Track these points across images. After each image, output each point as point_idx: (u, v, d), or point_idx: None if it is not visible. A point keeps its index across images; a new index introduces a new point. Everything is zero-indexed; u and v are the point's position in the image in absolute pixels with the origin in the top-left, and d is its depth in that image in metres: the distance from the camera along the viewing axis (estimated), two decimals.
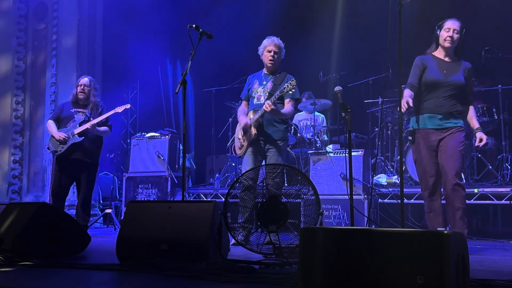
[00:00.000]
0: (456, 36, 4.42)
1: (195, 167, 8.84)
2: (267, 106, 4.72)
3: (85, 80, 5.90)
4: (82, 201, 5.72)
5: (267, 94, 4.98)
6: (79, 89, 5.84)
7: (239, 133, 5.13)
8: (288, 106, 5.01)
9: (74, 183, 5.88)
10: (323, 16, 8.60)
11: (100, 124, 5.74)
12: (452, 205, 4.28)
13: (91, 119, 5.72)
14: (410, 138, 4.52)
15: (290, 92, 4.75)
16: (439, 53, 4.54)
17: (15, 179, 8.66)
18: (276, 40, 5.07)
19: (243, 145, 5.06)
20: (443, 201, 4.43)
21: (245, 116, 5.08)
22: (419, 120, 4.48)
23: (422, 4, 6.67)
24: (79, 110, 5.81)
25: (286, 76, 5.07)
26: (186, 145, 8.61)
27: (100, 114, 5.82)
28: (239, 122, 5.11)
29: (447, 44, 4.44)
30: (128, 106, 5.97)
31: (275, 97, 4.81)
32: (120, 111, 5.87)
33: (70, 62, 8.48)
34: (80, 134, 5.64)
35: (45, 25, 8.82)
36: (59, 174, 5.73)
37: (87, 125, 5.62)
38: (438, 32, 4.50)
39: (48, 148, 5.82)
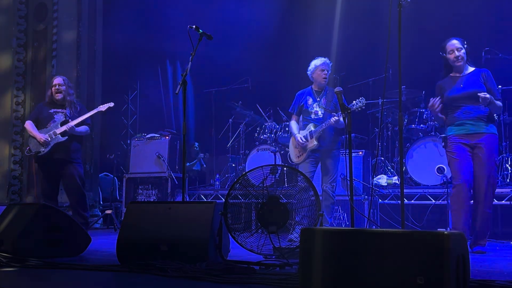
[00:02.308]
0: (461, 52, 4.66)
1: (205, 166, 8.87)
2: (333, 121, 5.35)
3: (58, 80, 5.84)
4: (76, 199, 5.68)
5: (323, 109, 5.57)
6: (54, 89, 5.79)
7: (296, 144, 5.59)
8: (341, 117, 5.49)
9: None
10: (323, 16, 8.60)
11: (78, 124, 5.68)
12: (482, 210, 4.49)
13: (70, 119, 5.67)
14: (443, 143, 4.79)
15: (359, 109, 5.36)
16: (455, 72, 4.75)
17: (15, 180, 8.65)
18: (327, 60, 5.66)
19: (302, 154, 5.56)
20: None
21: (297, 132, 5.60)
22: (450, 129, 4.70)
23: (421, 5, 6.67)
24: (57, 110, 5.77)
25: (333, 91, 5.53)
26: (188, 146, 8.64)
27: (79, 112, 5.78)
28: (295, 138, 5.58)
29: (458, 64, 4.68)
30: (111, 104, 5.91)
31: (339, 115, 5.35)
32: (103, 109, 5.84)
33: (70, 63, 8.47)
34: (63, 134, 5.61)
35: (45, 26, 8.82)
36: (44, 176, 5.70)
37: (69, 125, 5.57)
38: (445, 56, 4.73)
39: (29, 150, 5.74)
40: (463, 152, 4.57)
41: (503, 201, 5.79)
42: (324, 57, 5.68)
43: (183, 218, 3.49)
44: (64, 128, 5.58)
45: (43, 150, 5.60)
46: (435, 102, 4.64)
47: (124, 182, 7.60)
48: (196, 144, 9.24)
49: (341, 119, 5.36)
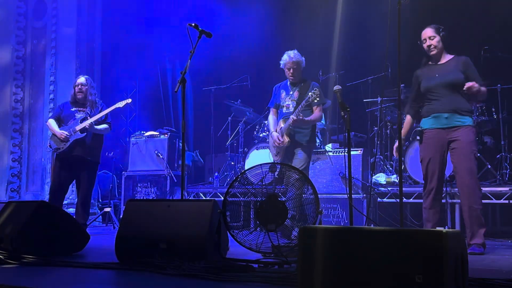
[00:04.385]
0: (433, 41, 4.53)
1: (203, 162, 8.87)
2: (291, 121, 5.15)
3: (81, 79, 5.90)
4: (82, 199, 5.72)
5: (295, 103, 5.34)
6: (76, 89, 5.86)
7: (274, 142, 5.43)
8: (316, 112, 5.36)
9: (74, 181, 5.89)
10: (322, 15, 8.59)
11: (99, 122, 5.75)
12: (468, 206, 4.32)
13: (91, 116, 5.74)
14: (418, 138, 4.57)
15: (315, 101, 5.14)
16: (433, 61, 4.64)
17: (14, 178, 8.65)
18: (293, 57, 5.37)
19: (279, 152, 5.41)
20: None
21: (274, 129, 5.44)
22: (426, 122, 4.57)
23: (421, 3, 6.67)
24: (79, 109, 5.83)
25: (311, 84, 5.43)
26: (186, 143, 8.65)
27: (100, 112, 5.84)
28: (272, 136, 5.44)
29: (432, 53, 4.57)
30: (129, 100, 6.00)
31: (301, 107, 5.18)
32: (121, 105, 5.90)
33: (69, 61, 8.48)
34: (81, 131, 5.66)
35: (44, 23, 8.81)
36: (59, 172, 5.73)
37: (88, 121, 5.65)
38: (422, 45, 4.64)
39: (50, 146, 5.84)
40: (438, 153, 4.45)
41: (502, 200, 5.78)
42: (293, 50, 5.41)
43: (182, 216, 3.49)
44: (83, 125, 5.64)
45: (62, 146, 5.66)
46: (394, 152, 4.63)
47: (123, 180, 7.60)
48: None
49: (310, 117, 5.23)
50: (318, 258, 2.23)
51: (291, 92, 5.43)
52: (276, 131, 5.43)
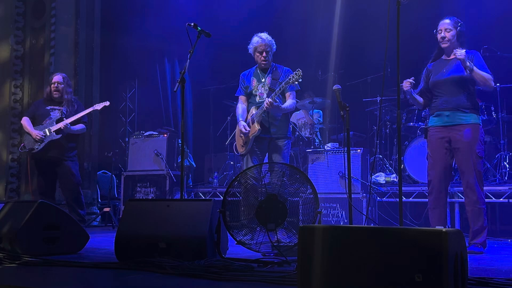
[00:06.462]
0: (449, 34, 4.43)
1: (194, 166, 8.85)
2: (267, 104, 4.76)
3: (57, 77, 5.81)
4: (70, 196, 5.67)
5: (268, 89, 5.00)
6: (52, 87, 5.77)
7: (240, 132, 5.14)
8: (289, 99, 5.03)
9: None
10: (322, 14, 8.59)
11: (75, 122, 5.66)
12: (472, 205, 4.30)
13: (66, 117, 5.65)
14: (422, 135, 4.55)
15: (296, 82, 4.73)
16: (444, 55, 4.56)
17: (13, 178, 8.64)
18: (265, 39, 5.00)
19: (246, 143, 5.06)
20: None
21: (243, 119, 5.07)
22: (431, 120, 4.54)
23: (420, 2, 6.67)
24: (54, 107, 5.75)
25: (283, 69, 5.10)
26: (185, 143, 8.62)
27: (76, 111, 5.75)
28: (239, 125, 5.09)
29: (443, 45, 4.48)
30: (107, 103, 5.89)
31: (279, 90, 4.83)
32: (98, 108, 5.82)
33: (68, 61, 8.45)
34: (57, 132, 5.58)
35: (43, 23, 8.80)
36: (39, 173, 5.69)
37: (64, 123, 5.55)
38: (436, 36, 4.54)
39: (24, 147, 5.73)
40: (439, 150, 4.40)
41: (501, 199, 5.78)
42: (264, 32, 5.02)
43: (181, 215, 3.49)
44: (58, 126, 5.55)
45: (37, 147, 5.59)
46: (406, 80, 4.39)
47: (122, 180, 7.60)
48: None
49: (285, 104, 4.94)
50: (318, 258, 2.23)
51: (262, 80, 5.03)
52: (245, 120, 5.04)
